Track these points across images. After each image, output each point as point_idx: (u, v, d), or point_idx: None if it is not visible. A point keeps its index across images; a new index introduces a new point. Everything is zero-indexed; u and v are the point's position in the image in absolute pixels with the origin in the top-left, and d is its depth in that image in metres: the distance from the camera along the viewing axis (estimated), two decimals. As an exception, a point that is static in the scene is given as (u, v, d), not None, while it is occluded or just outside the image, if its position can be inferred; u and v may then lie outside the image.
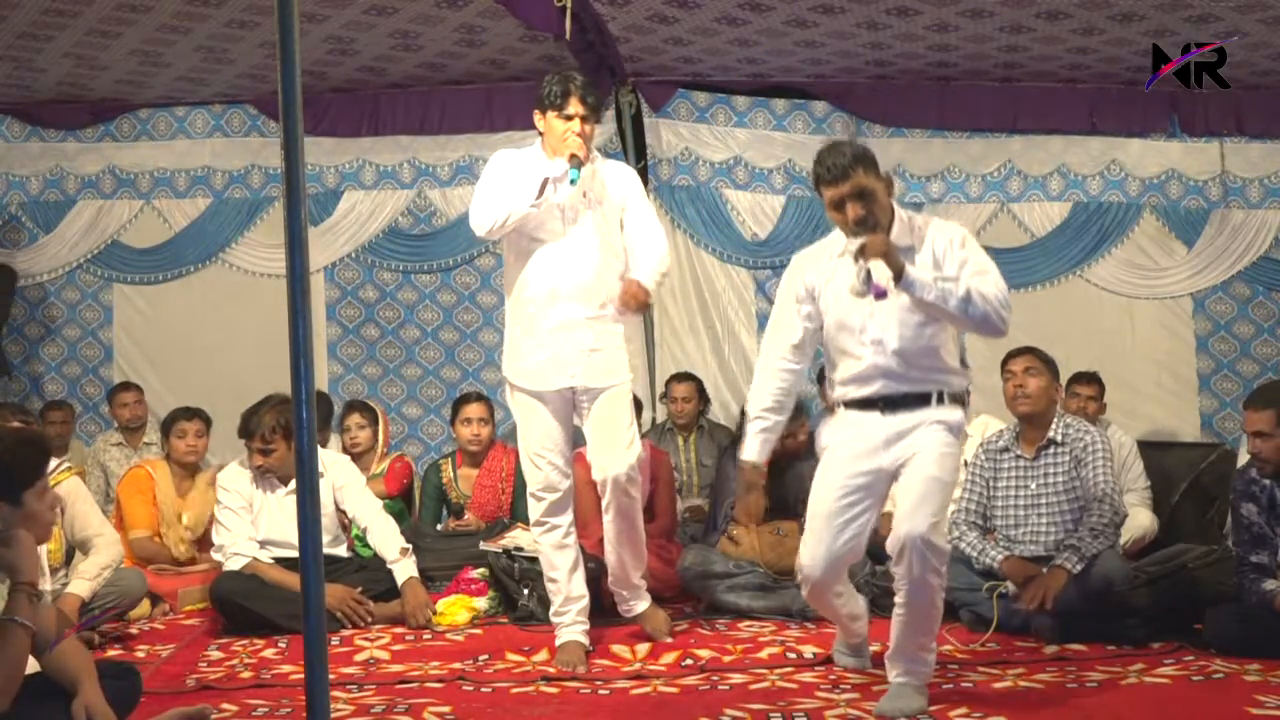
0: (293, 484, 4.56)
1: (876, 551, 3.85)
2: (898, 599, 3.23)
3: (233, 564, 4.62)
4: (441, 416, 6.82)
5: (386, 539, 4.75)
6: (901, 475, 3.29)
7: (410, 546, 4.78)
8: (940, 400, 3.32)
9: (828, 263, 3.43)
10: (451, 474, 5.61)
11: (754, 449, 3.51)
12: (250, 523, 4.72)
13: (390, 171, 6.85)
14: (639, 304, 3.86)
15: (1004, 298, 3.23)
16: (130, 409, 6.35)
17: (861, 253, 3.16)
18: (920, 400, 3.32)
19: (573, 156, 3.81)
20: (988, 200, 6.65)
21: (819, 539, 3.35)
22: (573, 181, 3.81)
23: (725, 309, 6.70)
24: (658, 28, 5.81)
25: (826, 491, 3.37)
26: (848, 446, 3.37)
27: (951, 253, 3.29)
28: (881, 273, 3.15)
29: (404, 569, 4.67)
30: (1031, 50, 5.96)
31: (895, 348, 3.29)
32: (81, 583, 4.10)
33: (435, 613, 4.60)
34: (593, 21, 5.49)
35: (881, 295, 3.18)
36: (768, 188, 6.70)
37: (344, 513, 4.91)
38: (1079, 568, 3.95)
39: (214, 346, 6.80)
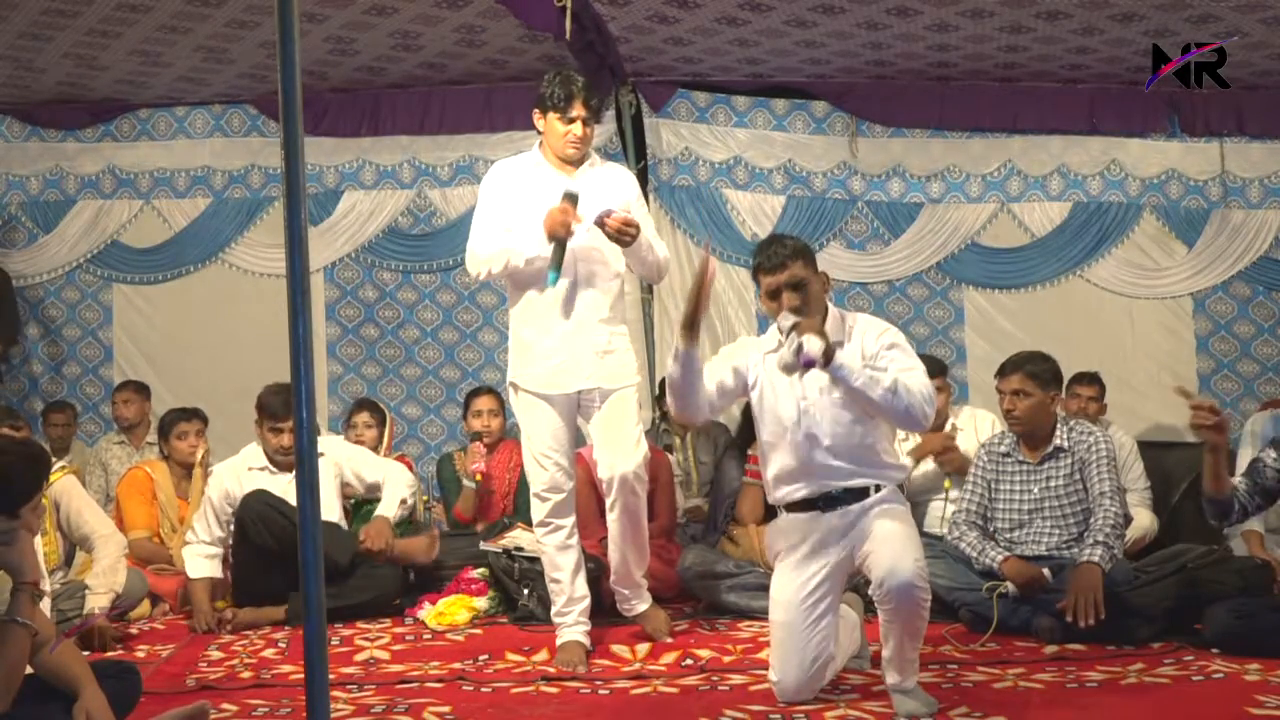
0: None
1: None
2: (884, 618, 3.22)
3: (189, 569, 4.75)
4: (441, 416, 6.82)
5: (392, 493, 4.93)
6: (869, 549, 3.28)
7: (407, 499, 4.95)
8: (879, 491, 3.36)
9: (766, 355, 3.45)
10: (465, 462, 5.65)
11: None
12: (226, 522, 4.80)
13: (390, 171, 6.85)
14: (624, 225, 3.74)
15: (928, 393, 3.28)
16: (119, 408, 6.32)
17: (795, 328, 3.20)
18: (859, 494, 3.36)
19: (558, 247, 3.73)
20: (988, 200, 6.65)
21: (789, 651, 3.35)
22: (552, 283, 3.77)
23: (725, 309, 6.69)
24: (658, 28, 5.81)
25: (787, 600, 3.37)
26: (796, 551, 3.40)
27: (880, 350, 3.34)
28: (813, 344, 3.17)
29: (384, 508, 4.87)
30: (1031, 50, 5.96)
31: (828, 444, 3.34)
32: (100, 583, 4.14)
33: (388, 545, 4.74)
34: (593, 21, 5.48)
35: (810, 365, 3.20)
36: (768, 188, 6.70)
37: (350, 488, 5.04)
38: (1109, 565, 3.95)
39: (214, 346, 6.79)
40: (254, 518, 4.59)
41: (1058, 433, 4.29)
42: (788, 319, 3.25)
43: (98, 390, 6.91)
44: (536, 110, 3.97)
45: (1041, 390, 4.30)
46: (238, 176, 6.91)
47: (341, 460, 5.02)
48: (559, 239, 3.72)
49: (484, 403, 5.65)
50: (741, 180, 6.71)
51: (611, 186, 4.03)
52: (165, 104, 6.83)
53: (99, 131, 6.89)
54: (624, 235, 3.77)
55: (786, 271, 3.33)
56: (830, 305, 3.42)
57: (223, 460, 5.09)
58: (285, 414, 4.69)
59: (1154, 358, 6.53)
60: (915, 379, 3.28)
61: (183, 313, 6.89)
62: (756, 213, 6.68)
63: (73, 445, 6.48)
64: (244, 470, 4.86)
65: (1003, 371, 4.40)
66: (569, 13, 4.88)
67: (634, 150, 6.63)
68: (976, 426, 5.08)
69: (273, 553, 4.51)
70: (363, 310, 6.89)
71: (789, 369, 3.23)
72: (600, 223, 3.75)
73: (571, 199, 3.73)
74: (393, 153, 6.83)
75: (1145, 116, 6.48)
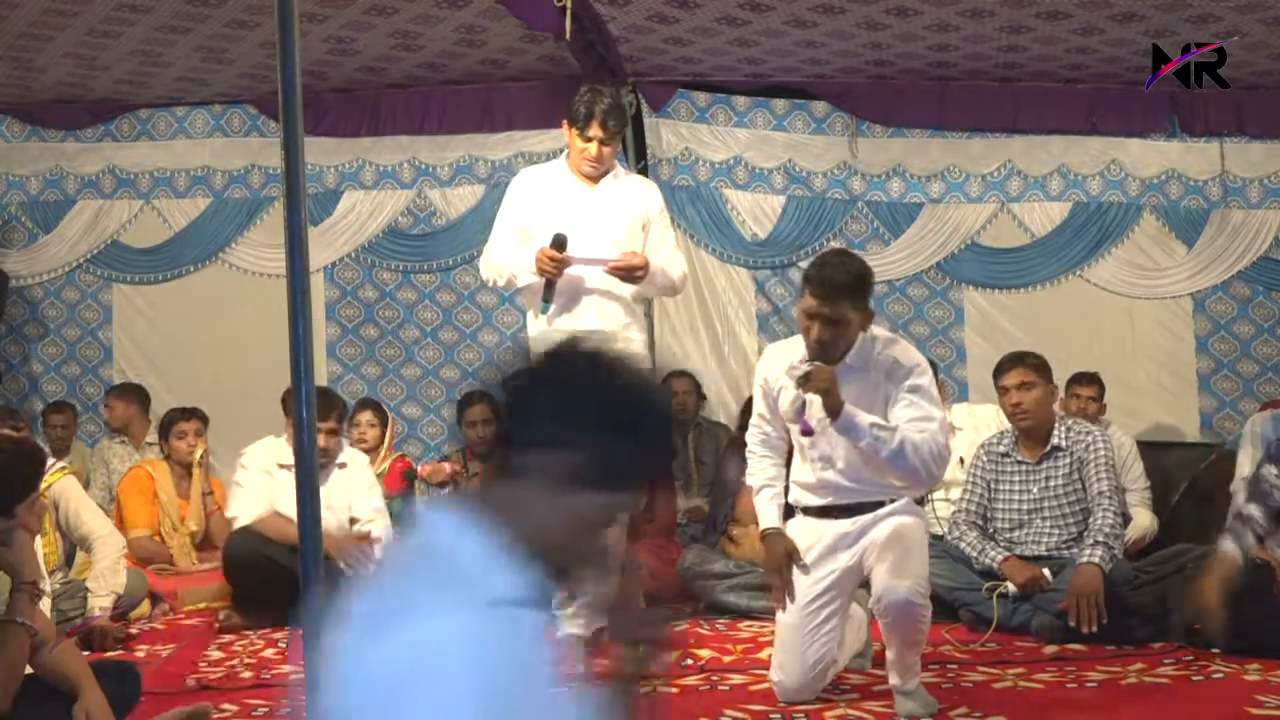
0: (332, 466, 4.89)
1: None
2: (884, 630, 3.24)
3: (244, 518, 4.73)
4: (441, 417, 6.82)
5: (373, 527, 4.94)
6: (874, 560, 3.27)
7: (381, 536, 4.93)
8: (893, 502, 3.33)
9: (787, 370, 3.38)
10: (463, 467, 5.65)
11: (772, 516, 3.46)
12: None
13: (390, 171, 6.84)
14: (633, 267, 3.89)
15: (937, 450, 3.18)
16: (106, 412, 6.32)
17: (805, 380, 3.14)
18: (874, 506, 3.34)
19: (547, 285, 3.86)
20: (988, 200, 6.65)
21: (791, 652, 3.34)
22: (543, 312, 3.93)
23: (725, 309, 6.70)
24: (658, 28, 5.80)
25: (793, 601, 3.36)
26: (807, 553, 3.38)
27: (900, 391, 3.23)
28: (815, 410, 3.15)
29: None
30: (1031, 50, 5.96)
31: (841, 466, 3.31)
32: (100, 584, 4.13)
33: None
34: (593, 21, 5.48)
35: (808, 433, 3.20)
36: (768, 188, 6.70)
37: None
38: (1110, 566, 3.94)
39: (214, 346, 6.79)
40: (240, 564, 4.58)
41: (1056, 432, 4.29)
42: (799, 369, 3.19)
43: (98, 390, 6.90)
44: (565, 121, 4.05)
45: (1043, 381, 4.32)
46: (238, 176, 6.91)
47: (353, 483, 5.01)
48: (547, 279, 3.87)
49: (477, 412, 5.63)
50: (741, 180, 6.70)
51: (631, 200, 4.09)
52: (165, 104, 6.82)
53: (99, 131, 6.88)
54: (634, 277, 3.92)
55: (830, 306, 3.17)
56: (873, 332, 3.30)
57: (221, 458, 5.09)
58: (322, 414, 4.70)
59: (1154, 358, 6.52)
60: (926, 434, 3.17)
61: (183, 313, 6.88)
62: (756, 213, 6.68)
63: (73, 445, 6.47)
64: (274, 465, 4.86)
65: (1002, 369, 4.40)
66: (569, 13, 4.89)
67: (634, 150, 6.63)
68: (975, 424, 5.07)
69: (261, 589, 4.53)
70: (363, 310, 6.89)
71: (792, 423, 3.23)
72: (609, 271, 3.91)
73: (559, 244, 3.83)
74: (393, 153, 6.83)
75: (1145, 116, 6.47)
